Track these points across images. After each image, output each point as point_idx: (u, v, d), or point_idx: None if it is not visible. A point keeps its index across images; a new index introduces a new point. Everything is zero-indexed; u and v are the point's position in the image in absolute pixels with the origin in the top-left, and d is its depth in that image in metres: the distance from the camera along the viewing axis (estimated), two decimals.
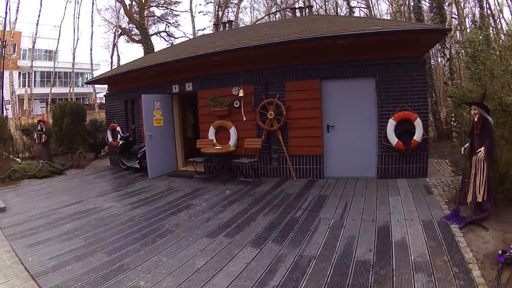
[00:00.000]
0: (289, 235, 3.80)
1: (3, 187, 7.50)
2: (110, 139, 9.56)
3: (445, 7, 13.11)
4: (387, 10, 22.37)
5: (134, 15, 16.70)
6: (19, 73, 23.24)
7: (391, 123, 5.78)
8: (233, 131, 7.09)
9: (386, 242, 3.43)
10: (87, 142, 10.48)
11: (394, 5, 17.12)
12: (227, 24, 10.91)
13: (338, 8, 19.69)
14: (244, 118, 7.01)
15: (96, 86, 20.91)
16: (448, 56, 11.64)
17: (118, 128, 9.26)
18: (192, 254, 3.52)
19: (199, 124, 7.70)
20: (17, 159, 9.86)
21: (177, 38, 21.82)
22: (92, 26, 21.27)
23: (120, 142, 8.67)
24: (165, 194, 6.14)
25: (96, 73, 22.39)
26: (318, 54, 6.28)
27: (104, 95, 10.92)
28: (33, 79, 21.45)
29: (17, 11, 17.02)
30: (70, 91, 22.25)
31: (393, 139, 5.78)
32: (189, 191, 6.26)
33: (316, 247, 3.43)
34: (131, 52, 42.65)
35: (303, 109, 6.45)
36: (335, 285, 2.73)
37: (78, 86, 31.98)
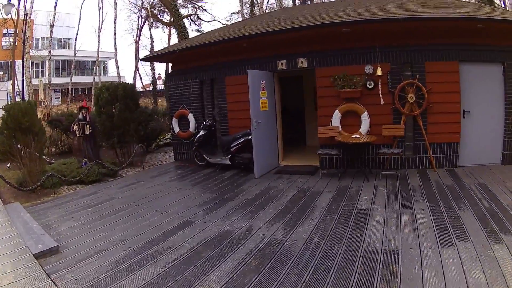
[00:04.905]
0: None
1: (36, 200, 5.30)
2: (177, 129, 7.93)
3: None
4: None
5: None
6: (32, 62, 21.25)
7: None
8: (365, 117, 5.73)
9: None
10: (138, 134, 8.62)
11: None
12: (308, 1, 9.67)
13: None
14: (382, 101, 5.68)
15: (122, 74, 19.17)
16: None
17: (190, 115, 7.72)
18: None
19: (317, 108, 6.25)
20: (45, 156, 7.63)
21: (207, 22, 20.66)
22: (115, 9, 19.78)
23: (200, 133, 7.06)
24: (305, 199, 4.56)
25: (117, 61, 20.76)
26: (456, 35, 5.71)
27: (166, 75, 9.30)
28: (48, 69, 19.56)
29: None
30: (94, 80, 20.46)
31: None
32: (332, 192, 4.81)
33: None
34: (154, 38, 39.69)
35: (443, 92, 5.73)
36: None
37: (93, 75, 29.69)
